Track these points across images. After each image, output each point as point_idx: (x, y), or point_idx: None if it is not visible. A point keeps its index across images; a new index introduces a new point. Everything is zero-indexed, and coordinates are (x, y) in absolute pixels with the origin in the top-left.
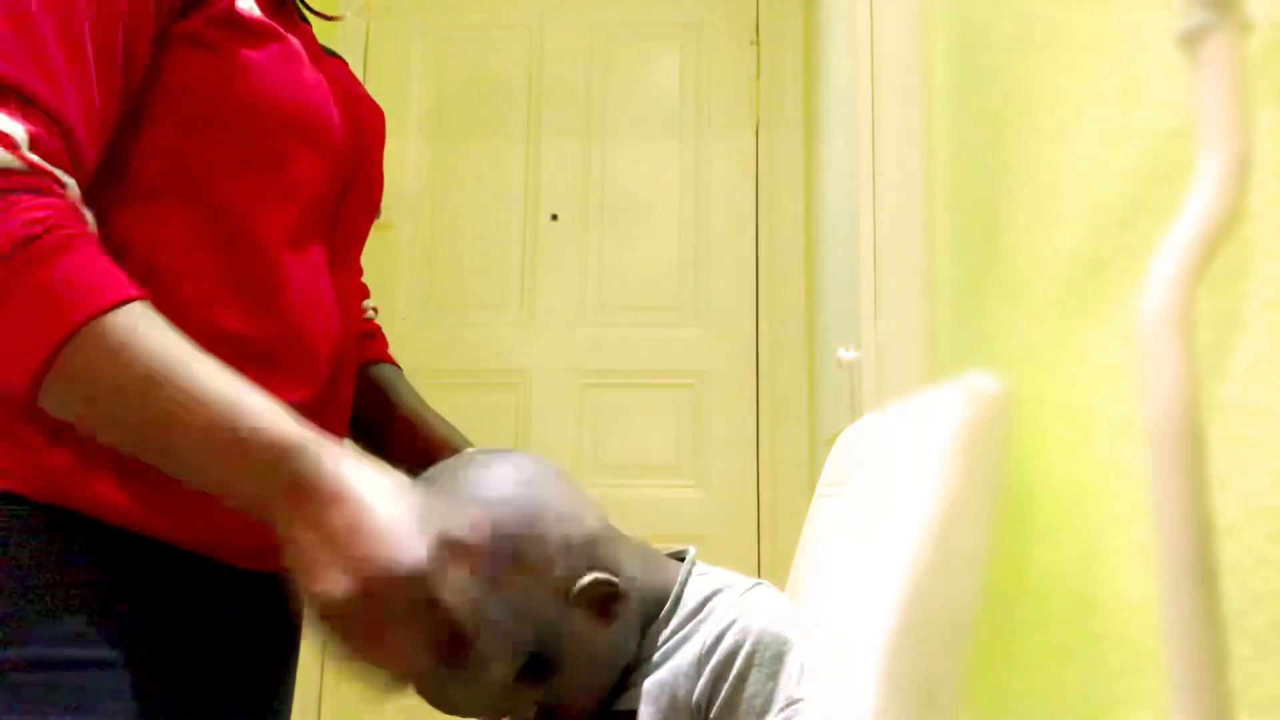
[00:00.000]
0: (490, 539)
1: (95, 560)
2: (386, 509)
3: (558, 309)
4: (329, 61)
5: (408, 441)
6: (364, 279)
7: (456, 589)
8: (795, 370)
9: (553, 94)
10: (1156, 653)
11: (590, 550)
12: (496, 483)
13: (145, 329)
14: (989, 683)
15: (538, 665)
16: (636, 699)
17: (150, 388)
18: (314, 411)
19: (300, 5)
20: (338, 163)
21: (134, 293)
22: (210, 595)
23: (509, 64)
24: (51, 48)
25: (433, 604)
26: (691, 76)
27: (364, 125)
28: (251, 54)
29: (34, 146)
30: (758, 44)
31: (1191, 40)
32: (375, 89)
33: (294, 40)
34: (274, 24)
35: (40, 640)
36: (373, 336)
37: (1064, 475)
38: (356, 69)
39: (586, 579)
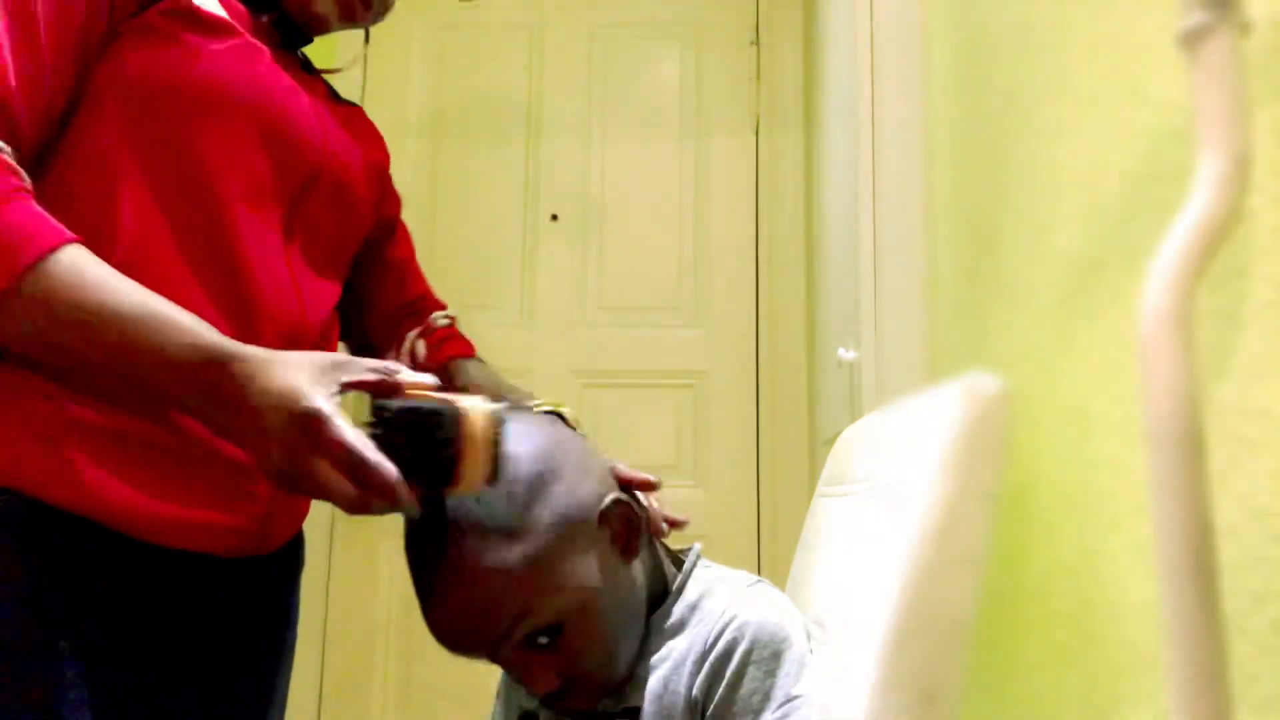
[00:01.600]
0: (524, 465)
1: (42, 546)
2: (283, 369)
3: (558, 309)
4: (338, 107)
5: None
6: None
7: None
8: (795, 370)
9: (553, 94)
10: (1156, 653)
11: (611, 481)
12: (518, 433)
13: (80, 268)
14: (989, 683)
15: (551, 632)
16: (639, 692)
17: (83, 315)
18: None
19: (309, 61)
20: (291, 154)
21: (68, 237)
22: (185, 584)
23: (509, 64)
24: (5, 39)
25: (327, 439)
26: (691, 76)
27: (343, 143)
28: (202, 41)
29: None
30: (758, 44)
31: (1191, 40)
32: (375, 89)
33: (256, 41)
34: (230, 22)
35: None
36: (452, 339)
37: (1064, 475)
38: (356, 70)
39: (610, 497)
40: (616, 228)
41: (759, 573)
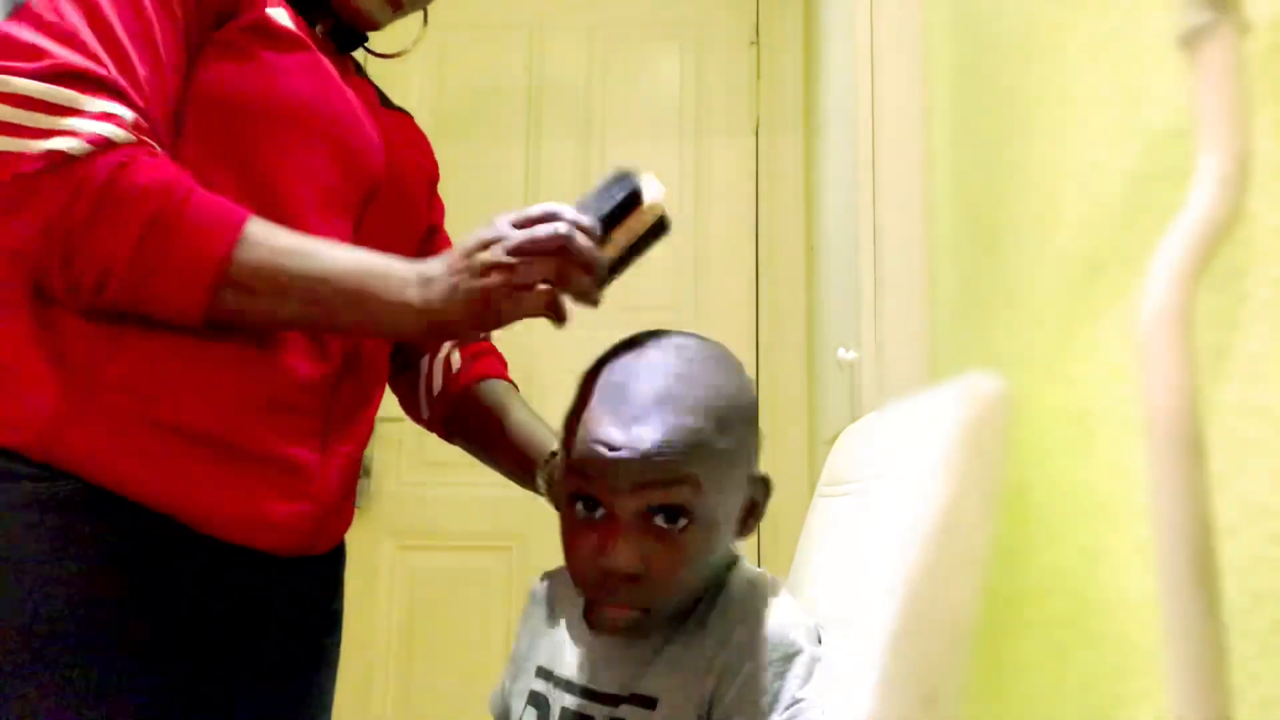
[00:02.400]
0: (749, 395)
1: (102, 533)
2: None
3: None
4: (389, 113)
5: (519, 455)
6: None
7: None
8: (795, 370)
9: (553, 94)
10: (1156, 653)
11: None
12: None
13: (270, 236)
14: (989, 683)
15: (678, 518)
16: (658, 680)
17: (292, 274)
18: (327, 388)
19: (358, 64)
20: (357, 164)
21: (247, 213)
22: (238, 579)
23: (509, 64)
24: (133, 52)
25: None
26: (691, 77)
27: (398, 151)
28: (277, 58)
29: (137, 126)
30: (758, 44)
31: (1191, 40)
32: None
33: (324, 58)
34: (303, 36)
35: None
36: (485, 354)
37: (1064, 475)
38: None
39: (764, 472)
40: None
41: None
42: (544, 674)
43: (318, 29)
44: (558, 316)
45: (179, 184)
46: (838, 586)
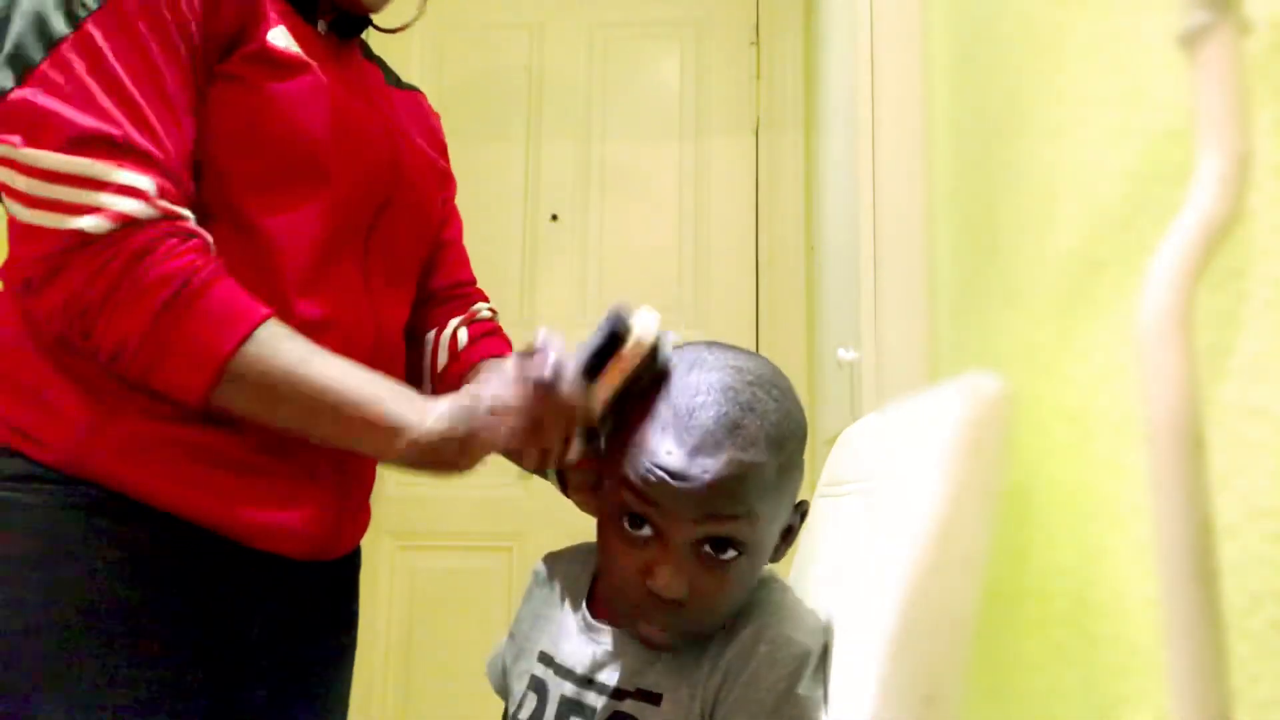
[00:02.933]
0: (800, 417)
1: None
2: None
3: (558, 309)
4: (397, 94)
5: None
6: None
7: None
8: (795, 370)
9: (553, 94)
10: (1156, 653)
11: None
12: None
13: (278, 340)
14: (989, 683)
15: (729, 549)
16: (663, 676)
17: (292, 384)
18: None
19: (365, 44)
20: (362, 188)
21: (266, 312)
22: (253, 582)
23: (509, 64)
24: (145, 104)
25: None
26: (691, 76)
27: (404, 158)
28: (279, 87)
29: (161, 194)
30: (758, 44)
31: (1191, 40)
32: None
33: (325, 78)
34: (303, 58)
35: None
36: (492, 334)
37: (1064, 475)
38: None
39: (805, 498)
40: (616, 228)
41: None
42: (545, 659)
43: (320, 25)
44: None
45: (197, 273)
46: (838, 586)
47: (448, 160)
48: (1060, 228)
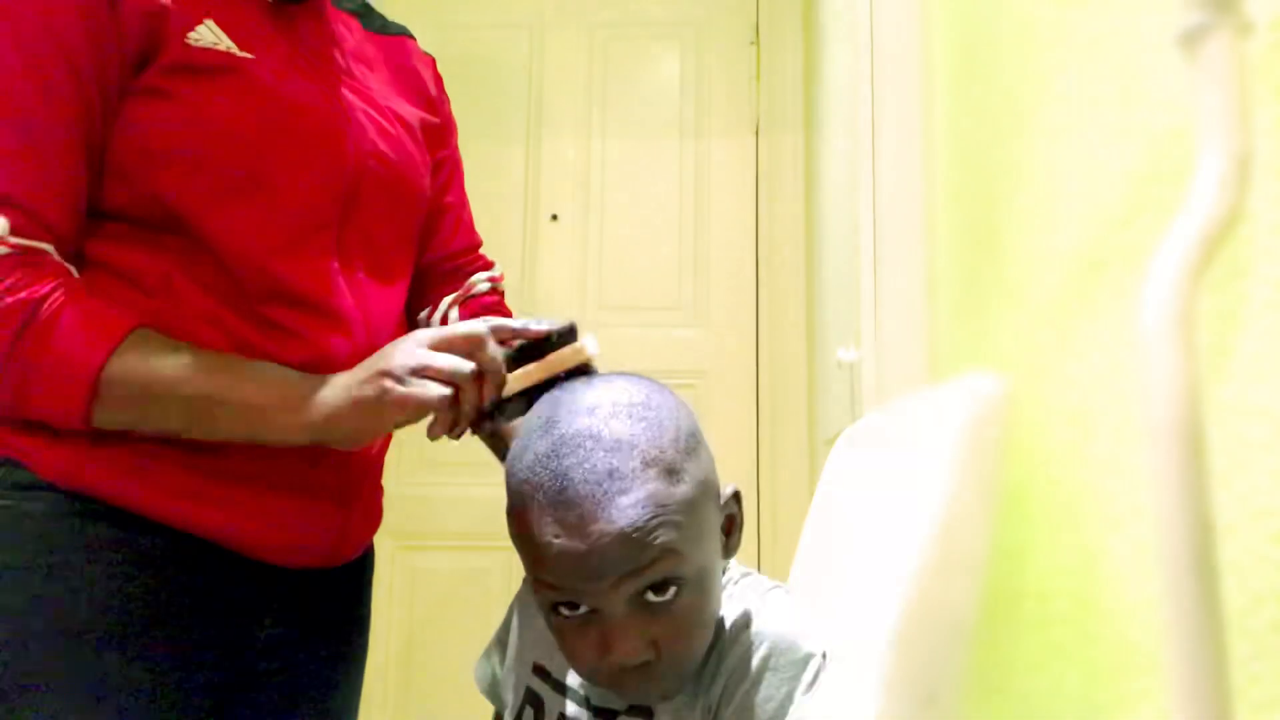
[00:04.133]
0: (686, 418)
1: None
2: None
3: (557, 309)
4: (378, 44)
5: None
6: None
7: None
8: (795, 370)
9: (553, 93)
10: (1156, 653)
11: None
12: (668, 392)
13: (149, 346)
14: (989, 683)
15: (668, 589)
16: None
17: (172, 386)
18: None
19: None
20: (314, 188)
21: (131, 323)
22: (251, 589)
23: (509, 63)
24: (5, 146)
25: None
26: (691, 76)
27: (364, 144)
28: (203, 96)
29: (14, 231)
30: (758, 44)
31: (1191, 40)
32: None
33: (256, 68)
34: (232, 53)
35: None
36: (488, 311)
37: (1064, 475)
38: None
39: (731, 486)
40: (616, 228)
41: (759, 573)
42: (540, 671)
43: None
44: (449, 433)
45: (48, 300)
46: (838, 587)
47: (442, 111)
48: (1060, 228)
